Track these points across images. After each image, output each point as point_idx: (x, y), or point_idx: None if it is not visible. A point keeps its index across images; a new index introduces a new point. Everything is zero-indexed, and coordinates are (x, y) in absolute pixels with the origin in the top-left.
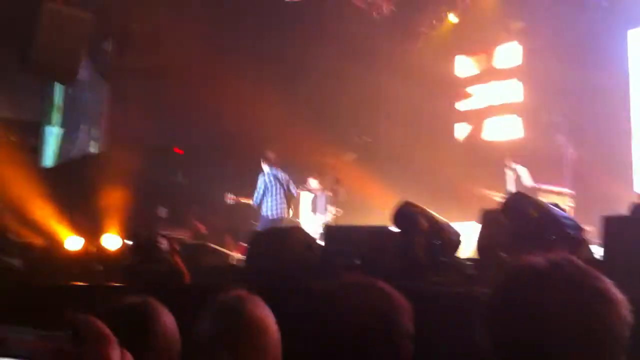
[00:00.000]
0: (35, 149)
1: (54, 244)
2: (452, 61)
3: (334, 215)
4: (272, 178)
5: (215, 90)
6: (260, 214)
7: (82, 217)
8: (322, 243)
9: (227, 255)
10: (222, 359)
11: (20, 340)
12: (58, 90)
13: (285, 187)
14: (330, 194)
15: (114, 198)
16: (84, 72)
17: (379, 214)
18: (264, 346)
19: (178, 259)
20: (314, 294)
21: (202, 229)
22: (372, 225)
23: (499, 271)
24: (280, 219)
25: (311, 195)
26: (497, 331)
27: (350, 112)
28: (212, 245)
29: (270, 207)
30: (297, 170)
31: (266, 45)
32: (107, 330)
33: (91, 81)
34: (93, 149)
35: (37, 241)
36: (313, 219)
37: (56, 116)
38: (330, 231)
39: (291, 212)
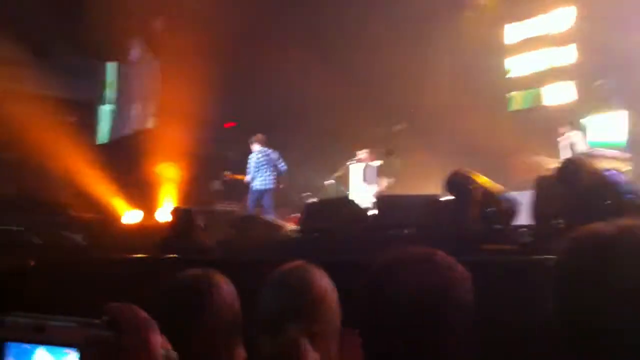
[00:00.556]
0: (91, 127)
1: (112, 219)
2: (501, 28)
3: (386, 185)
4: (261, 157)
5: (264, 65)
6: (250, 188)
7: (138, 191)
8: (374, 213)
9: (280, 227)
10: (289, 331)
11: (60, 328)
12: (111, 69)
13: (273, 164)
14: (381, 164)
15: (168, 173)
16: (135, 51)
17: (430, 183)
18: (329, 317)
19: (203, 236)
20: (371, 266)
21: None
22: (424, 194)
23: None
24: (269, 190)
25: (362, 166)
26: (564, 300)
27: (400, 82)
28: (264, 217)
29: (261, 180)
30: (348, 141)
31: (315, 19)
32: (146, 316)
33: (143, 59)
34: (147, 125)
35: (97, 216)
36: (364, 190)
37: (110, 94)
38: (382, 201)
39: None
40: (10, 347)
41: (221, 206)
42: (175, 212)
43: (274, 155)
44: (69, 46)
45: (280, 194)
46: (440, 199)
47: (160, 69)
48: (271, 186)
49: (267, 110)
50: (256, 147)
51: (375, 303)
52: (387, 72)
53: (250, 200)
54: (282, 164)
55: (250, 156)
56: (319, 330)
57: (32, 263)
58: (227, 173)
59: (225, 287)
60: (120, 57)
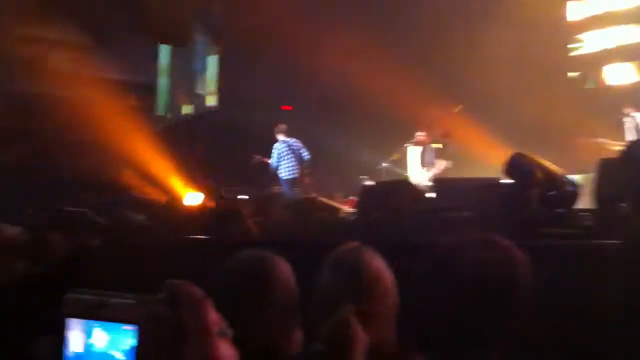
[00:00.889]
0: (151, 110)
1: (174, 200)
2: (563, 6)
3: (443, 168)
4: (285, 146)
5: (321, 48)
6: (278, 177)
7: (199, 173)
8: (431, 196)
9: (338, 209)
10: (341, 310)
11: (119, 305)
12: (168, 52)
13: (298, 153)
14: (438, 146)
15: (228, 155)
16: (195, 34)
17: (489, 165)
18: (384, 297)
19: (250, 223)
20: (433, 250)
21: (308, 181)
22: (483, 177)
23: (618, 223)
24: (295, 179)
25: (419, 149)
26: (630, 283)
27: (458, 61)
28: (323, 200)
29: (286, 169)
30: (405, 124)
31: (371, 1)
32: (202, 293)
33: (202, 42)
34: (207, 108)
35: (159, 197)
36: (422, 173)
37: (170, 77)
38: (439, 184)
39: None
40: (71, 322)
41: (278, 188)
42: (220, 201)
43: (297, 145)
44: (130, 30)
45: (337, 177)
46: (500, 182)
47: (219, 51)
48: (294, 175)
49: (323, 92)
50: (280, 137)
51: (438, 285)
52: (445, 52)
53: (283, 189)
54: (306, 153)
55: (274, 146)
56: (373, 311)
57: (98, 242)
58: (257, 156)
59: (284, 268)
60: (180, 40)
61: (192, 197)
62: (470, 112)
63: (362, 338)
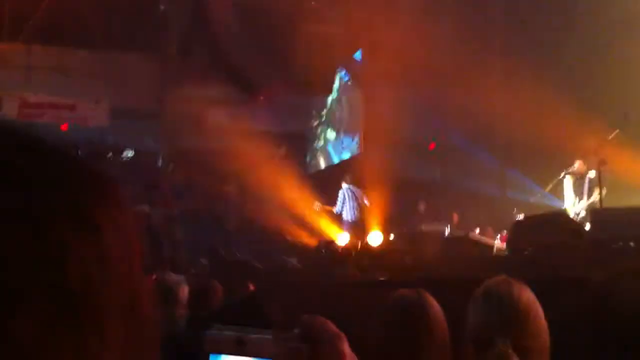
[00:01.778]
0: (301, 158)
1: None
2: None
3: (599, 197)
4: (349, 192)
5: (465, 86)
6: (342, 220)
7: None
8: (589, 227)
9: (490, 246)
10: (498, 345)
11: (259, 340)
12: (320, 102)
13: (359, 199)
14: (594, 175)
15: (376, 196)
16: (338, 82)
17: None
18: (534, 331)
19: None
20: (588, 284)
21: (456, 219)
22: None
23: None
24: (356, 221)
25: (575, 178)
26: None
27: (614, 87)
28: (475, 236)
29: (349, 213)
30: (559, 153)
31: (514, 33)
32: (336, 329)
33: (346, 89)
34: (355, 152)
35: (310, 241)
36: (577, 203)
37: (321, 126)
38: (598, 214)
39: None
40: (213, 358)
41: (428, 227)
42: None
43: (358, 191)
44: (279, 83)
45: (489, 213)
46: None
47: (363, 97)
48: (357, 219)
49: (470, 129)
50: (344, 185)
51: (599, 317)
52: (599, 79)
53: (345, 230)
54: (366, 199)
55: (339, 192)
56: (527, 345)
57: (252, 287)
58: (318, 204)
59: (437, 307)
60: (327, 89)
61: (343, 239)
62: (629, 137)
63: None
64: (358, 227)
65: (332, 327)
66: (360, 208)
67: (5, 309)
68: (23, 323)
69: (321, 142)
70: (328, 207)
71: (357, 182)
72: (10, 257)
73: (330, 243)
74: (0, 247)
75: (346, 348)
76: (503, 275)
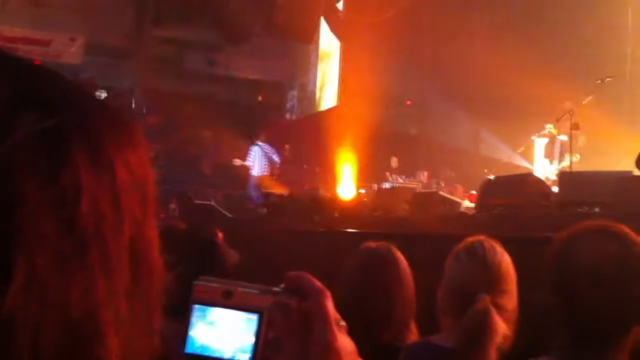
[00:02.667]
0: (281, 106)
1: (296, 193)
2: None
3: (571, 161)
4: (262, 150)
5: (445, 40)
6: (250, 174)
7: (321, 167)
8: (557, 190)
9: (458, 204)
10: (480, 301)
11: (246, 294)
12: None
13: (270, 157)
14: (566, 139)
15: (349, 149)
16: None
17: (620, 159)
18: (513, 293)
19: None
20: (551, 242)
21: (427, 176)
22: (615, 170)
23: None
24: (264, 175)
25: (545, 141)
26: None
27: (589, 51)
28: (443, 194)
29: (259, 169)
30: (532, 116)
31: None
32: (321, 285)
33: (324, 39)
34: (331, 104)
35: (280, 190)
36: (548, 166)
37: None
38: (567, 178)
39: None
40: (197, 309)
41: (400, 182)
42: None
43: (269, 149)
44: (261, 30)
45: (459, 171)
46: (634, 175)
47: (342, 49)
48: (266, 173)
49: (447, 85)
50: (259, 143)
51: (557, 273)
52: (576, 39)
53: (251, 185)
54: (276, 156)
55: (251, 148)
56: (503, 305)
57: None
58: (238, 160)
59: (403, 259)
60: (308, 37)
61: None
62: (603, 103)
63: (501, 329)
64: (266, 182)
65: (318, 283)
66: (270, 165)
67: (21, 240)
68: (37, 254)
69: (304, 91)
70: (244, 163)
71: (270, 141)
72: (25, 187)
73: (316, 190)
74: (13, 177)
75: (331, 304)
76: (481, 235)
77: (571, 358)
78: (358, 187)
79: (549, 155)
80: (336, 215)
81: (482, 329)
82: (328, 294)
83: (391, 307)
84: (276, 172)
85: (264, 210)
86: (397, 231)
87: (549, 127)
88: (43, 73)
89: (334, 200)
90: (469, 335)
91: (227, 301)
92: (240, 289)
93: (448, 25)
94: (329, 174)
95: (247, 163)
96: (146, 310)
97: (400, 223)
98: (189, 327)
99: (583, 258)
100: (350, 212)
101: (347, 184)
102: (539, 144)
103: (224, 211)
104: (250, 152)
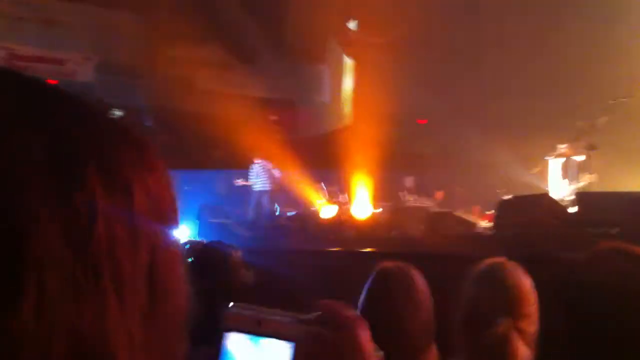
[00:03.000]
0: (291, 125)
1: (310, 213)
2: None
3: (587, 181)
4: (259, 166)
5: (454, 60)
6: (252, 191)
7: (335, 187)
8: (573, 211)
9: (473, 224)
10: (500, 325)
11: (278, 322)
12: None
13: (270, 172)
14: (582, 159)
15: (362, 169)
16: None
17: (637, 180)
18: (531, 314)
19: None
20: (564, 263)
21: (440, 196)
22: (632, 191)
23: None
24: (265, 190)
25: (562, 161)
26: None
27: (604, 71)
28: (458, 214)
29: (264, 185)
30: (547, 135)
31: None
32: (356, 314)
33: (336, 58)
34: (343, 123)
35: (295, 210)
36: (563, 186)
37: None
38: (583, 198)
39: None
40: (230, 336)
41: (414, 202)
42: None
43: (268, 165)
44: (272, 50)
45: (473, 192)
46: None
47: (354, 67)
48: (267, 189)
49: (460, 105)
50: (257, 161)
51: (574, 292)
52: (588, 62)
53: (251, 200)
54: (277, 172)
55: (252, 166)
56: (524, 329)
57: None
58: (239, 180)
59: (422, 280)
60: (319, 58)
61: (327, 210)
62: (618, 123)
63: (522, 353)
64: (272, 197)
65: (352, 311)
66: (272, 180)
67: (33, 262)
68: (48, 276)
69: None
70: (247, 182)
71: (267, 157)
72: (39, 211)
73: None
74: (27, 200)
75: (366, 333)
76: (501, 257)
77: None
78: (373, 207)
79: (565, 175)
80: (352, 234)
81: (502, 353)
82: (363, 324)
83: (400, 332)
84: (278, 187)
85: (278, 229)
86: (412, 251)
87: (564, 147)
88: (59, 94)
89: (349, 219)
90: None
91: (260, 329)
92: (272, 317)
93: (460, 42)
94: (344, 194)
95: (249, 182)
96: (165, 334)
97: (415, 243)
98: (221, 354)
99: (602, 278)
100: (365, 232)
101: (362, 204)
102: (554, 164)
103: (239, 229)
104: (251, 170)
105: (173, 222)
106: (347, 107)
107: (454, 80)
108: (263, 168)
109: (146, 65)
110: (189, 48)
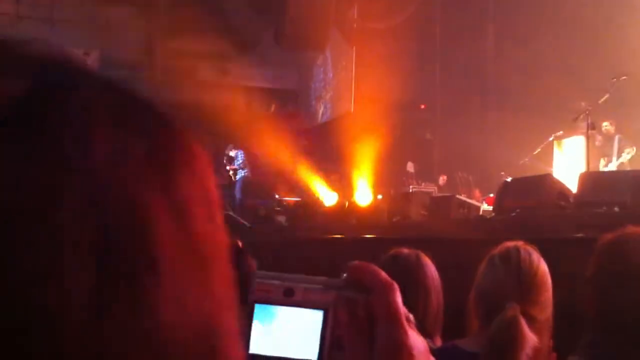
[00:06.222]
0: (293, 115)
1: (313, 201)
2: None
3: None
4: (244, 157)
5: (457, 46)
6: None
7: (336, 174)
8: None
9: (477, 207)
10: (509, 310)
11: (309, 290)
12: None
13: (246, 160)
14: (584, 140)
15: (365, 155)
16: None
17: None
18: (545, 301)
19: None
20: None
21: (444, 181)
22: (636, 169)
23: None
24: (248, 177)
25: (565, 142)
26: None
27: (603, 50)
28: (461, 197)
29: (242, 173)
30: (549, 117)
31: None
32: (388, 277)
33: (338, 47)
34: (344, 111)
35: (299, 199)
36: (567, 166)
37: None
38: (586, 178)
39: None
40: (257, 308)
41: (416, 187)
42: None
43: (243, 154)
44: (272, 39)
45: (476, 174)
46: None
47: (355, 55)
48: (246, 175)
49: (461, 89)
50: (233, 151)
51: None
52: (588, 43)
53: (237, 188)
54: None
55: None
56: (534, 316)
57: (241, 244)
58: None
59: (432, 266)
60: (320, 47)
61: (329, 198)
62: (617, 102)
63: (529, 339)
64: (251, 184)
65: (384, 275)
66: (249, 168)
67: (67, 256)
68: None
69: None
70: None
71: (241, 146)
72: (73, 205)
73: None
74: (58, 192)
75: (399, 297)
76: (519, 241)
77: (602, 357)
78: (375, 193)
79: (568, 156)
80: (354, 221)
81: (509, 338)
82: (396, 287)
83: (417, 312)
84: (256, 172)
85: (283, 218)
86: (415, 236)
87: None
88: (98, 79)
89: (351, 206)
90: (495, 344)
91: (289, 299)
92: (302, 285)
93: (461, 26)
94: (345, 181)
95: (235, 168)
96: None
97: (418, 228)
98: (251, 326)
99: (631, 258)
100: (368, 218)
101: (363, 190)
102: (557, 146)
103: (242, 221)
104: (235, 159)
105: (219, 209)
106: (348, 95)
107: (457, 65)
108: (242, 157)
109: (146, 59)
110: (189, 40)
